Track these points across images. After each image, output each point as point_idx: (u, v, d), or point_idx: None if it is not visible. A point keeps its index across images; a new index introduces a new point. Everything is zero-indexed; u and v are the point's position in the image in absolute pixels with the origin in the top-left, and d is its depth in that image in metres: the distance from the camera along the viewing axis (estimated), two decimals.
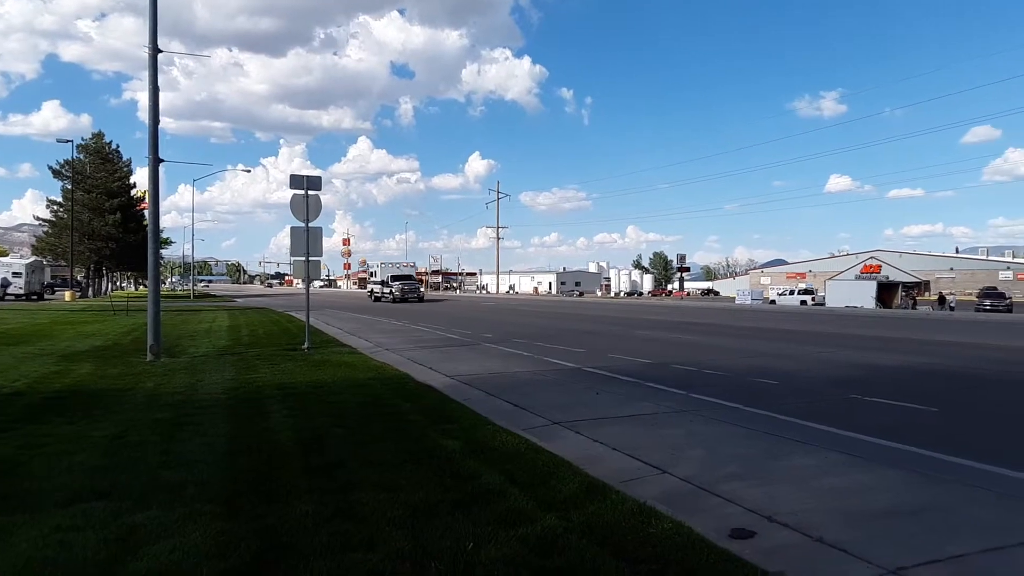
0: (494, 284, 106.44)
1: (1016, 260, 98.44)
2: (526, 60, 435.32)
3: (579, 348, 15.72)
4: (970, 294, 68.65)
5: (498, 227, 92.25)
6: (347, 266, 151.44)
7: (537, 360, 13.42)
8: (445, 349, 15.92)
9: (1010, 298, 55.77)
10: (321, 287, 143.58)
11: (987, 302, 50.60)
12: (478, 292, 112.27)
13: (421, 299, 51.18)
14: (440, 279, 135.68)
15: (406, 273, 54.70)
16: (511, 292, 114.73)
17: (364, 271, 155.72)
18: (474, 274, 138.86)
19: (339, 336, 19.37)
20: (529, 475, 5.29)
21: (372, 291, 56.86)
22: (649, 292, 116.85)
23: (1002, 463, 5.66)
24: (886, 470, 5.57)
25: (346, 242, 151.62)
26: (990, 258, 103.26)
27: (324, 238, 16.29)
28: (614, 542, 3.93)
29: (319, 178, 15.94)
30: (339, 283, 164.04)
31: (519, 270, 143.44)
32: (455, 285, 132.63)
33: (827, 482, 5.26)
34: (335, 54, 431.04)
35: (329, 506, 4.60)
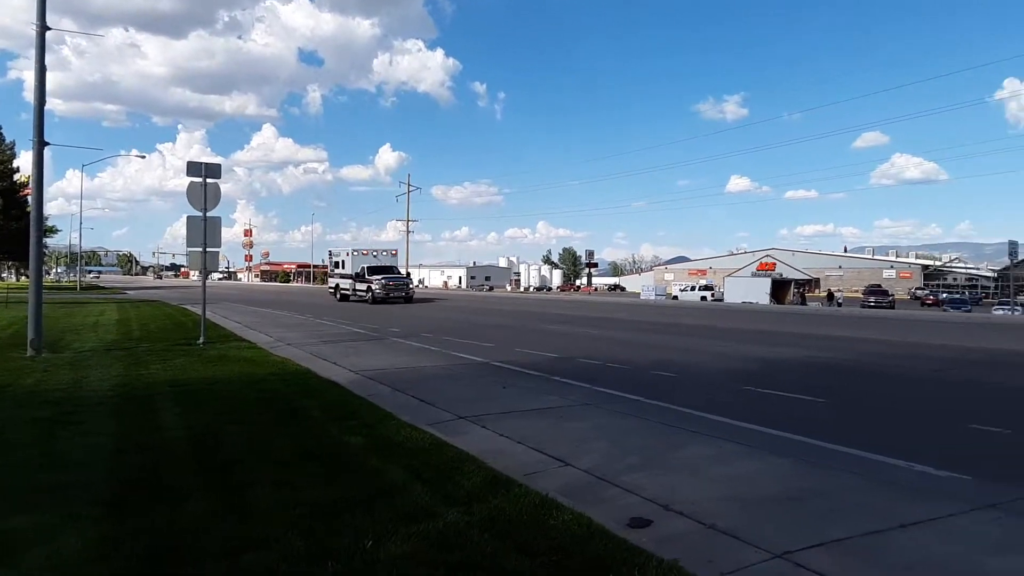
0: None
1: (899, 260, 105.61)
2: (439, 52, 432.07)
3: (488, 342, 15.75)
4: (857, 291, 73.05)
5: (408, 220, 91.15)
6: (249, 258, 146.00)
7: (445, 355, 13.35)
8: (350, 344, 15.62)
9: (893, 295, 60.32)
10: (220, 279, 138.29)
11: (872, 299, 54.46)
12: None
13: (410, 299, 38.36)
14: None
15: (387, 264, 40.74)
16: (420, 286, 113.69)
17: (267, 262, 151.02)
18: None
19: (237, 330, 18.68)
20: (433, 470, 5.25)
21: (338, 287, 42.66)
22: (558, 287, 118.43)
23: (883, 452, 6.00)
24: (777, 459, 5.82)
25: (248, 233, 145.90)
26: (876, 257, 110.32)
27: (224, 228, 15.78)
28: (515, 535, 3.94)
29: (218, 165, 15.38)
30: (240, 275, 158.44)
31: (429, 264, 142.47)
32: None
33: (722, 471, 5.46)
34: (240, 38, 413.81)
35: (223, 505, 4.44)
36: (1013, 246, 42.44)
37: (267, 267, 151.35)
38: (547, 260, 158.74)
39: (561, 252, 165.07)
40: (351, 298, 39.54)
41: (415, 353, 13.74)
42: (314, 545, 3.80)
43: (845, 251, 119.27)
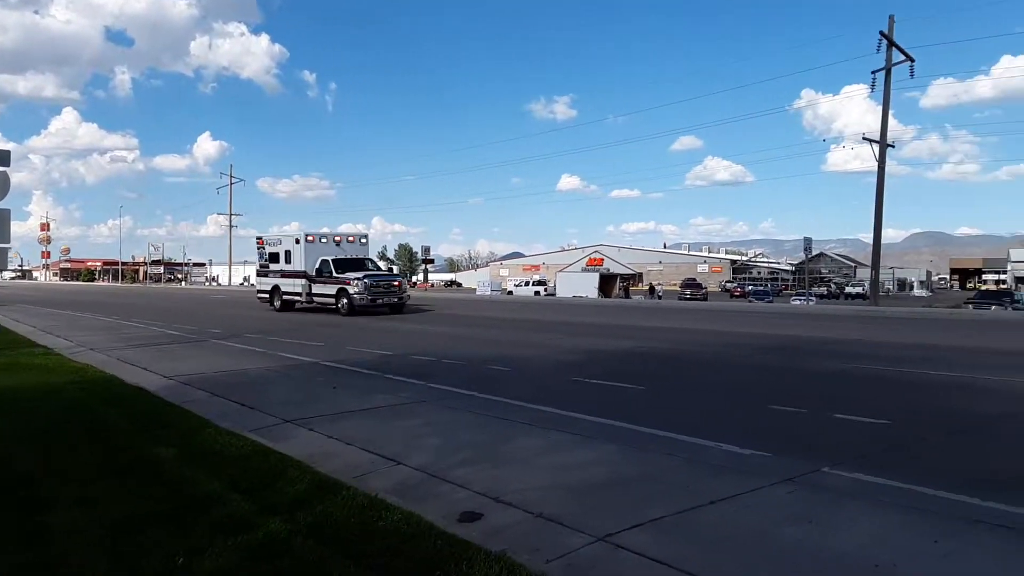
0: (226, 275, 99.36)
1: (712, 255, 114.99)
2: (264, 38, 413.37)
3: (318, 342, 15.23)
4: (675, 284, 78.42)
5: (231, 214, 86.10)
6: (46, 254, 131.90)
7: (271, 356, 12.74)
8: (164, 347, 14.50)
9: (706, 288, 65.80)
10: (13, 279, 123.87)
11: (688, 292, 59.03)
12: (207, 284, 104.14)
13: (403, 306, 26.32)
14: (162, 270, 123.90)
15: (358, 256, 27.58)
16: (246, 284, 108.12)
17: (68, 259, 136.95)
18: (203, 265, 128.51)
19: (31, 335, 16.81)
20: (254, 478, 4.95)
21: (276, 290, 28.40)
22: None
23: (697, 434, 6.40)
24: (602, 445, 6.06)
25: (45, 227, 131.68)
26: (691, 253, 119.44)
27: (15, 222, 13.98)
28: (342, 540, 3.81)
29: (7, 152, 13.59)
30: (36, 274, 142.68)
31: (255, 260, 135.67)
32: (180, 277, 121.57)
33: (551, 460, 5.60)
34: (37, 13, 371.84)
35: (14, 528, 3.99)
36: (807, 243, 47.28)
37: (68, 265, 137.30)
38: (383, 256, 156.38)
39: (397, 248, 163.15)
40: (299, 305, 27.26)
41: (237, 355, 13.01)
42: (118, 565, 3.48)
43: (664, 247, 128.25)
